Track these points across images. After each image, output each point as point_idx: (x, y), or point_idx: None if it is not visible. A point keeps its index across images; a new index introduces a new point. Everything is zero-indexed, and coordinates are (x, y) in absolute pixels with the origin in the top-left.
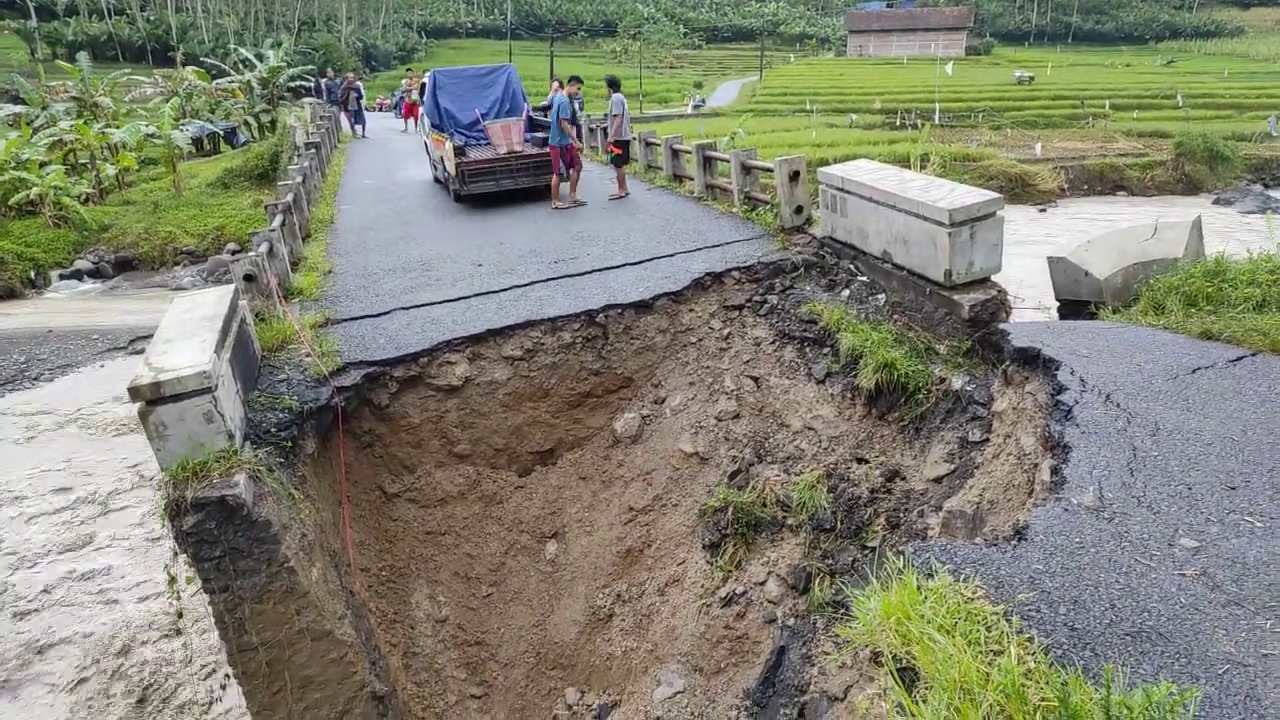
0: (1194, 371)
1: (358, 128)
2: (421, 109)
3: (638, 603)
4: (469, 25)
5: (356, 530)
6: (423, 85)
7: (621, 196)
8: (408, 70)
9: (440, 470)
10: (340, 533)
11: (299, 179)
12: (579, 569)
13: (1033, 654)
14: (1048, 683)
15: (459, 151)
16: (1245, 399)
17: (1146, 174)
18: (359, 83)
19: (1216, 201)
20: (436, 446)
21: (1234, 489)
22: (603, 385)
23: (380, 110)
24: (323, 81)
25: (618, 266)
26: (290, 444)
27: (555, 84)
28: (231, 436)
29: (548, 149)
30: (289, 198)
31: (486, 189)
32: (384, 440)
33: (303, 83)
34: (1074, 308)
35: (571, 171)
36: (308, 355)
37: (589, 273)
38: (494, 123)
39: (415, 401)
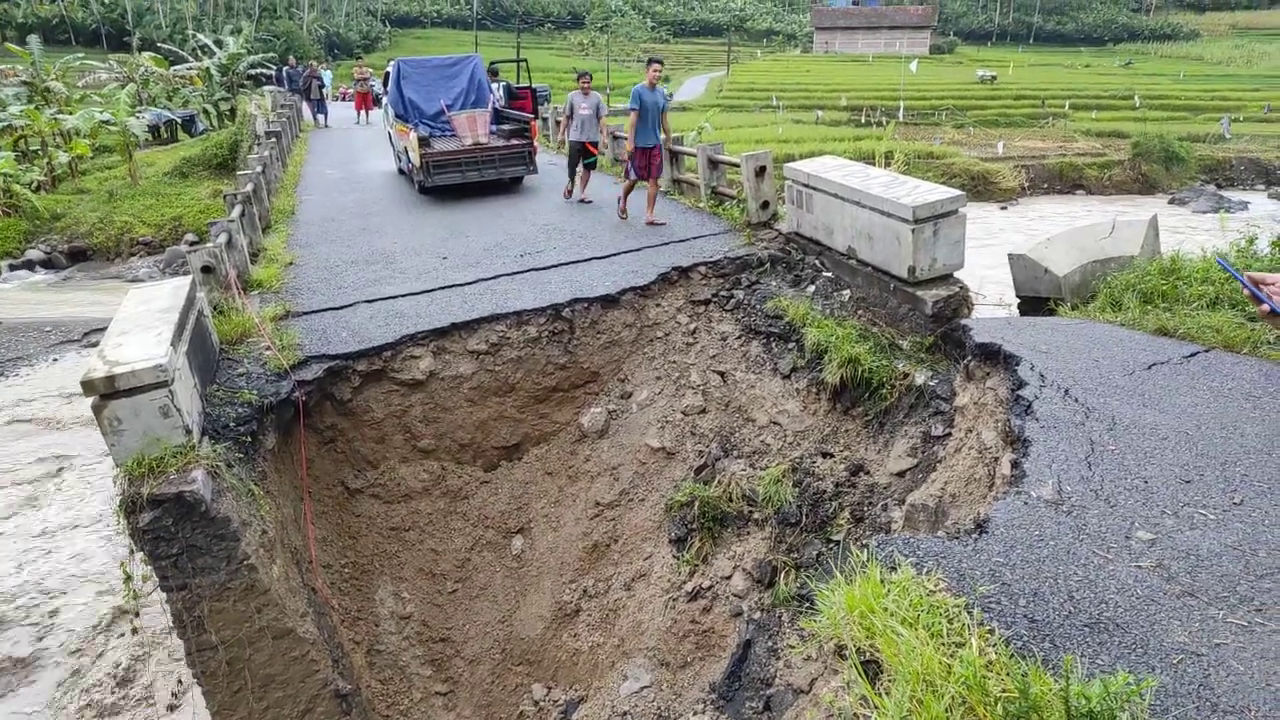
0: (1150, 367)
1: (320, 117)
2: (385, 100)
3: (604, 598)
4: (434, 15)
5: (318, 526)
6: (380, 75)
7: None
8: (357, 61)
9: (404, 465)
10: (302, 529)
11: (259, 169)
12: (545, 564)
13: (993, 645)
14: (1008, 674)
15: (424, 142)
16: (1199, 394)
17: (1105, 174)
18: (323, 71)
19: (1172, 201)
20: (400, 441)
21: (1188, 482)
22: (569, 380)
23: (343, 99)
24: (284, 69)
25: (584, 260)
26: (250, 439)
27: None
28: (189, 432)
29: (514, 141)
30: (249, 188)
31: (452, 181)
32: (346, 435)
33: (263, 70)
34: (1034, 304)
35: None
36: (268, 348)
37: (555, 266)
38: (459, 114)
39: (378, 396)
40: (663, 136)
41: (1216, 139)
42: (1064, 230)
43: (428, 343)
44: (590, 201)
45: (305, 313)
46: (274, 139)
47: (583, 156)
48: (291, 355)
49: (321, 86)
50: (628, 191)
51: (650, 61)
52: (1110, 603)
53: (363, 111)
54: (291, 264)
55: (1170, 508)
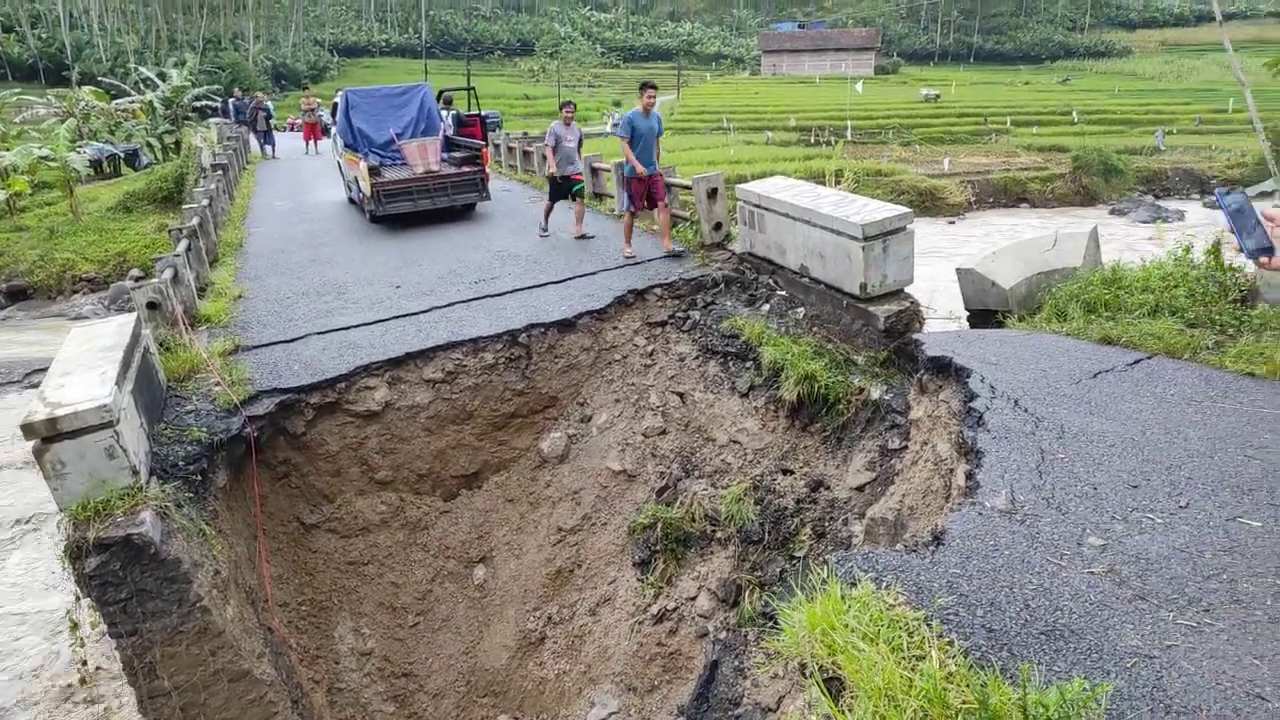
0: (1095, 375)
1: (267, 148)
2: (334, 130)
3: (569, 624)
4: (383, 44)
5: (274, 564)
6: (328, 105)
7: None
8: (304, 92)
9: (361, 498)
10: (256, 568)
11: (205, 201)
12: (508, 593)
13: (953, 657)
14: (968, 685)
15: (374, 172)
16: (1143, 400)
17: (1047, 187)
18: (268, 102)
19: (1112, 212)
20: (357, 474)
21: (1136, 487)
22: (527, 405)
23: (291, 130)
24: (230, 101)
25: (540, 285)
26: (200, 477)
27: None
28: (136, 472)
29: (465, 169)
30: (195, 221)
31: (404, 209)
32: (301, 469)
33: (209, 102)
34: (982, 316)
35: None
36: (217, 384)
37: (511, 292)
38: (410, 142)
39: (333, 428)
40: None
41: (1152, 151)
42: (1009, 244)
43: (382, 373)
44: (592, 237)
45: (255, 346)
46: (220, 171)
47: (568, 187)
48: (242, 390)
49: (268, 117)
50: (629, 226)
51: (643, 86)
52: (1065, 609)
53: (311, 142)
54: (240, 297)
55: (1119, 513)
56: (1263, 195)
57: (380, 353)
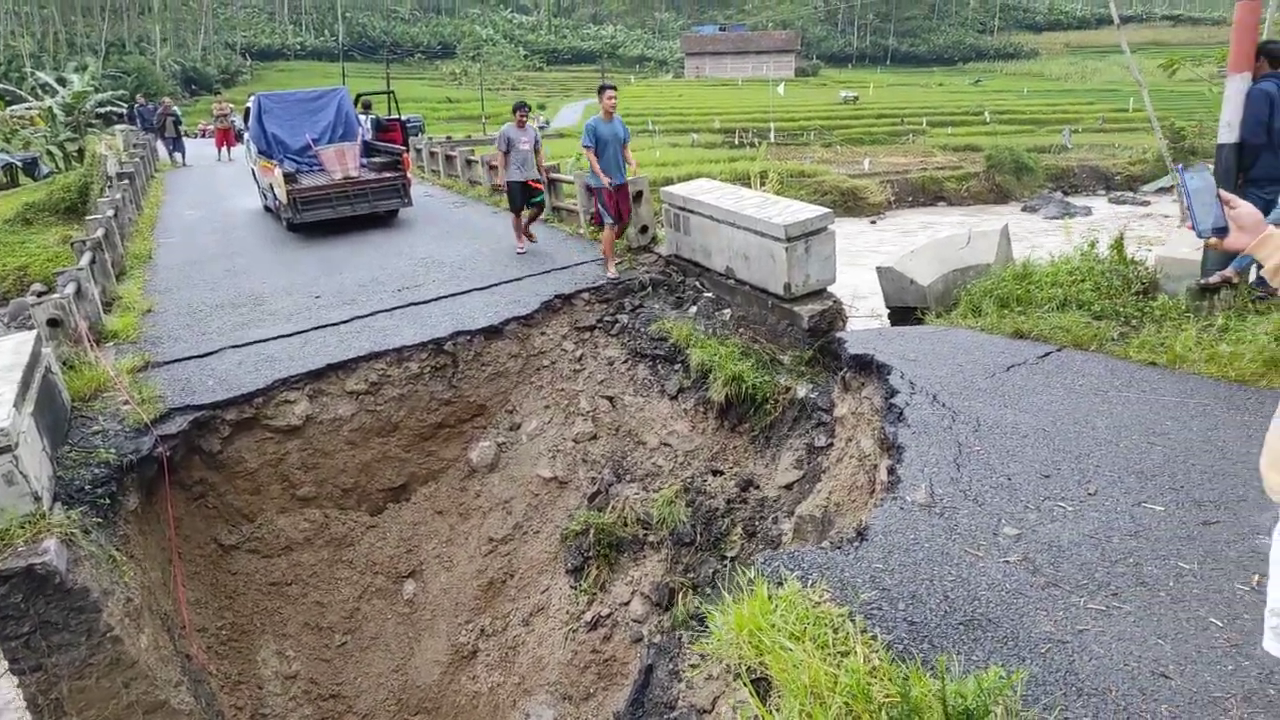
0: (1009, 369)
1: (177, 155)
2: (247, 136)
3: (502, 635)
4: (298, 47)
5: (191, 588)
6: (241, 111)
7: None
8: (216, 97)
9: (283, 516)
10: (172, 593)
11: (111, 212)
12: (439, 607)
13: (876, 652)
14: (890, 679)
15: (290, 178)
16: (1053, 392)
17: (963, 185)
18: (175, 108)
19: (1024, 209)
20: (278, 491)
21: (1048, 477)
22: (455, 415)
23: (203, 136)
24: (135, 107)
25: (465, 292)
26: (109, 501)
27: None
28: (38, 498)
29: (386, 174)
30: (99, 233)
31: (322, 217)
32: (218, 489)
33: (114, 109)
34: (902, 314)
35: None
36: (126, 403)
37: (435, 300)
38: (327, 148)
39: (252, 445)
40: (630, 172)
41: (1060, 149)
42: (926, 242)
43: (303, 386)
44: (529, 247)
45: (167, 362)
46: (127, 180)
47: (527, 196)
48: (152, 408)
49: (177, 124)
50: (610, 243)
51: (603, 89)
52: (982, 599)
53: (224, 148)
54: (150, 311)
55: (1032, 502)
56: (1161, 190)
57: (300, 365)
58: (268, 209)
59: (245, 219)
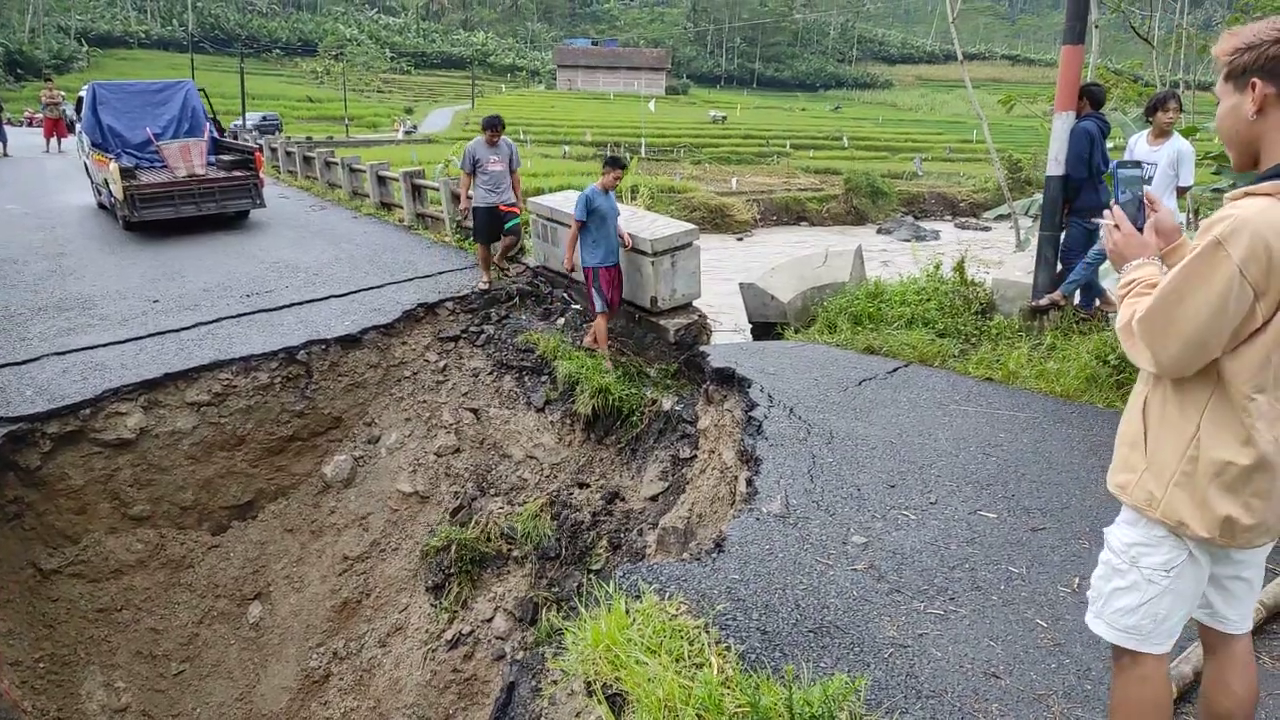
0: (860, 383)
1: None
2: (79, 127)
3: (357, 658)
4: (142, 35)
5: (4, 618)
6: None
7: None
8: (46, 83)
9: (113, 537)
10: None
11: None
12: (288, 629)
13: (730, 662)
14: (741, 689)
15: (127, 174)
16: (900, 405)
17: (823, 206)
18: None
19: (879, 231)
20: (107, 510)
21: (893, 486)
22: (308, 428)
23: (30, 125)
24: None
25: (321, 299)
26: None
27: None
28: None
29: (236, 173)
30: None
31: (164, 216)
32: (37, 509)
33: None
34: (764, 329)
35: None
36: None
37: (288, 306)
38: (170, 144)
39: (76, 460)
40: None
41: (911, 176)
42: (786, 260)
43: (136, 396)
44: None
45: None
46: None
47: (497, 222)
48: None
49: None
50: (603, 333)
51: (609, 163)
52: (831, 606)
53: (53, 139)
54: None
55: (879, 511)
56: (1000, 217)
57: (133, 374)
58: (102, 206)
59: (76, 216)
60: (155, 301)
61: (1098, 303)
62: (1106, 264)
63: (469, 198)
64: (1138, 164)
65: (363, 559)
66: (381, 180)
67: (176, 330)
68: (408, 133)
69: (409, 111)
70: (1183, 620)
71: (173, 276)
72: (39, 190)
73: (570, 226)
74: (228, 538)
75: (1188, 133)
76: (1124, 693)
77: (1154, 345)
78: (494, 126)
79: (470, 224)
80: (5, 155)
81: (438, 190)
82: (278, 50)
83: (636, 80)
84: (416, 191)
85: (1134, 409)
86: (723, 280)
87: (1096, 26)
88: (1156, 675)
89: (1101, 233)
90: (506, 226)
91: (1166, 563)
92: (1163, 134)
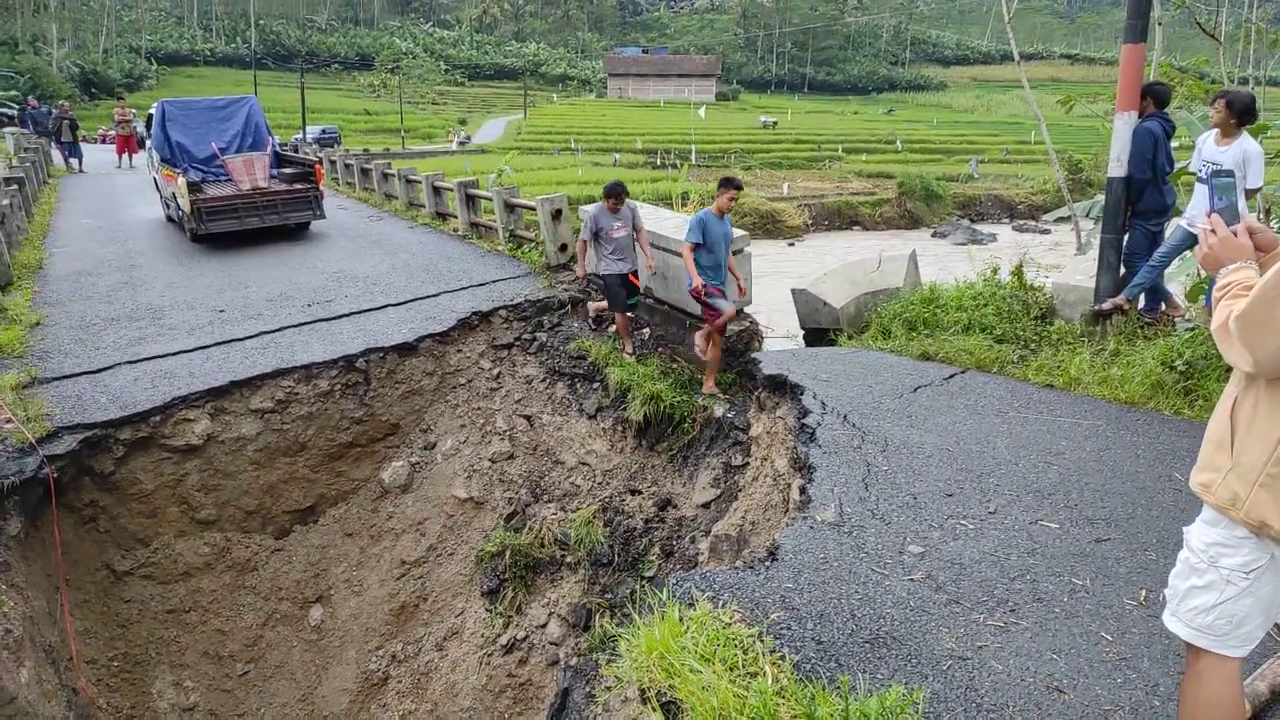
0: (915, 390)
1: (73, 161)
2: (149, 143)
3: (414, 661)
4: (207, 53)
5: (79, 618)
6: (144, 118)
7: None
8: (119, 101)
9: (181, 540)
10: (59, 622)
11: None
12: (348, 632)
13: (784, 672)
14: (797, 699)
15: (194, 188)
16: (957, 413)
17: (876, 210)
18: (71, 112)
19: (934, 235)
20: (176, 514)
21: (951, 495)
22: (367, 434)
23: (104, 142)
24: (26, 109)
25: (379, 308)
26: None
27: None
28: None
29: (297, 185)
30: None
31: (229, 228)
32: (111, 512)
33: (4, 110)
34: (816, 335)
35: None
36: (8, 421)
37: (347, 315)
38: (234, 158)
39: (148, 465)
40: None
41: (967, 178)
42: (839, 265)
43: (203, 404)
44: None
45: (55, 378)
46: (16, 185)
47: (629, 292)
48: (39, 427)
49: (74, 127)
50: (717, 345)
51: (724, 183)
52: (887, 617)
53: (125, 155)
54: (38, 324)
55: (936, 521)
56: (1060, 220)
57: (200, 382)
58: (170, 219)
59: (147, 229)
60: (221, 311)
61: (1163, 307)
62: (1172, 267)
63: (584, 266)
64: (1230, 172)
65: (420, 563)
66: (436, 190)
67: (241, 339)
68: (462, 143)
69: (463, 122)
70: (1262, 628)
71: (237, 287)
72: (112, 205)
73: (682, 253)
74: (290, 541)
75: (1258, 131)
76: (1194, 693)
77: (1251, 344)
78: (616, 195)
79: (578, 271)
80: (81, 171)
81: (491, 200)
82: (336, 65)
83: (687, 87)
84: (471, 201)
85: (1223, 410)
86: (774, 286)
87: (1160, 23)
88: (1229, 678)
89: (1200, 230)
90: (629, 302)
91: (1246, 564)
92: (1229, 134)
